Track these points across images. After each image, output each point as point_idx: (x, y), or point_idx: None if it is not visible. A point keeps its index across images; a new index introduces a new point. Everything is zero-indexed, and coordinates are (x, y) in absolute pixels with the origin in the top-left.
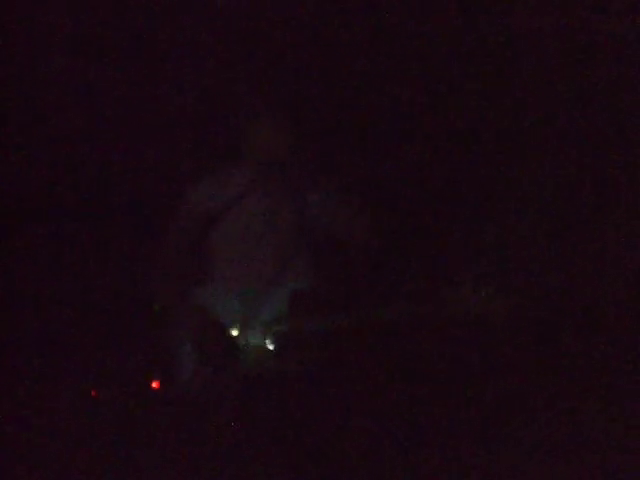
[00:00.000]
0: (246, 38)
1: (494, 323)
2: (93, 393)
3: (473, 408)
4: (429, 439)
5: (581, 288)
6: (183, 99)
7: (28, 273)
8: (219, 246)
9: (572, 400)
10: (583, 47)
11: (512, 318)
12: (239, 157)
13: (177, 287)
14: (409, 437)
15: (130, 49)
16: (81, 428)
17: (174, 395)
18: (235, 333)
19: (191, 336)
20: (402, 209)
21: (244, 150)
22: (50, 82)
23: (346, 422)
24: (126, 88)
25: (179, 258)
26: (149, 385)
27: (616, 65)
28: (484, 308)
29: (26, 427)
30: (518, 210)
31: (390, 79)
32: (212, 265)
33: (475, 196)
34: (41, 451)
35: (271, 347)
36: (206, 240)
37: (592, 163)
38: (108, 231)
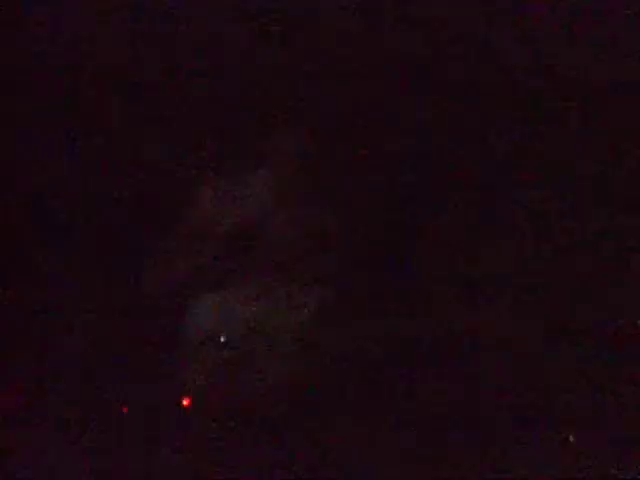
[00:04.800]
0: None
1: (493, 340)
2: (124, 409)
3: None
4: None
5: (582, 303)
6: (202, 104)
7: (61, 287)
8: (237, 252)
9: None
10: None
11: (514, 334)
12: (258, 165)
13: (194, 293)
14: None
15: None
16: (111, 443)
17: (203, 412)
18: (247, 340)
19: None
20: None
21: (262, 157)
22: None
23: (359, 431)
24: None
25: (199, 263)
26: (180, 403)
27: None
28: (481, 325)
29: (58, 442)
30: (522, 230)
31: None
32: (230, 270)
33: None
34: (73, 464)
35: (285, 355)
36: (225, 245)
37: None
38: (128, 244)
